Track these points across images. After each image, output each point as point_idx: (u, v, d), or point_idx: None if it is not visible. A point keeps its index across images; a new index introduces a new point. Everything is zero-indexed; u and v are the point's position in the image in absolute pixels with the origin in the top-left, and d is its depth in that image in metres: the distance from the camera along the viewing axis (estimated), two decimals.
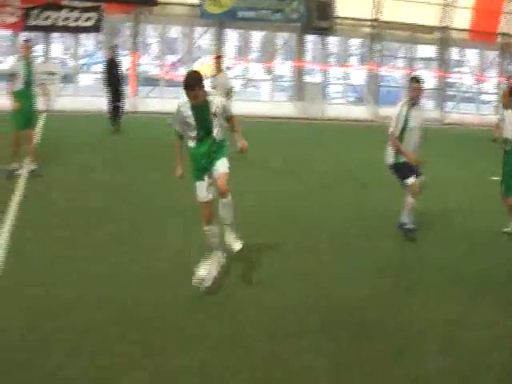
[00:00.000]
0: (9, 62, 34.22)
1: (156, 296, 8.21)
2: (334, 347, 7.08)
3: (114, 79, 22.82)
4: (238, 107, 29.23)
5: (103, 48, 33.50)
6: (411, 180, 11.21)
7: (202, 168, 8.60)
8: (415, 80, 11.38)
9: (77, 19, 29.96)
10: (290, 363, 6.66)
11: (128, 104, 24.30)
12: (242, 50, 39.54)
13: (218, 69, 18.77)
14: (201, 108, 8.41)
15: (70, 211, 12.03)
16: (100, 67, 29.65)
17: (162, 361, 6.53)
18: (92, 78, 35.08)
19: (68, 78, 32.70)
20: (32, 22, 29.79)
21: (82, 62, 34.78)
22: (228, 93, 18.18)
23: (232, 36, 38.24)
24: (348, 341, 7.27)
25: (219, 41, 33.49)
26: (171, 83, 32.65)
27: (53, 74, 29.63)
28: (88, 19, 30.06)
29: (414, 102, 11.27)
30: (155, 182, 14.58)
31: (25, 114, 14.34)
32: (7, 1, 29.56)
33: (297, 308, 8.12)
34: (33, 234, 10.41)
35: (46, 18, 29.75)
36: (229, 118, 8.81)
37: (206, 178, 8.60)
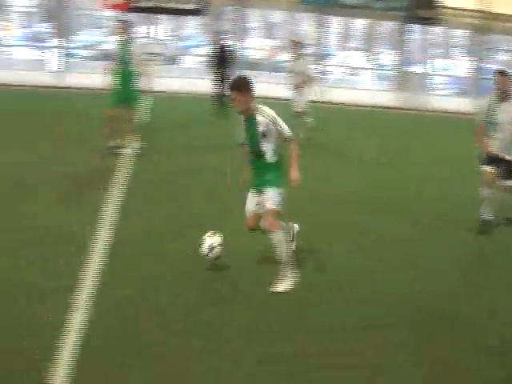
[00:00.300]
0: (114, 42, 34.98)
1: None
2: (419, 340, 7.06)
3: (222, 64, 22.97)
4: (338, 95, 29.46)
5: (206, 31, 33.83)
6: (484, 168, 10.97)
7: (253, 183, 8.26)
8: (499, 73, 10.88)
9: (182, 2, 30.27)
10: (376, 355, 6.66)
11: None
12: (344, 38, 39.30)
13: (296, 54, 18.60)
14: (249, 122, 8.07)
15: (165, 192, 12.25)
16: (203, 50, 29.95)
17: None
18: (195, 60, 35.43)
19: (171, 60, 33.20)
20: (137, 4, 30.26)
21: (185, 44, 35.26)
22: (306, 80, 18.07)
23: (334, 23, 38.04)
24: (433, 335, 7.21)
25: (321, 27, 33.36)
26: (273, 67, 32.87)
27: (156, 55, 30.06)
28: (192, 2, 30.33)
29: (502, 95, 10.81)
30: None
31: (120, 93, 14.56)
32: None
33: (389, 299, 8.06)
34: (127, 213, 10.60)
35: (152, 0, 30.18)
36: (288, 141, 8.12)
37: (254, 193, 8.24)
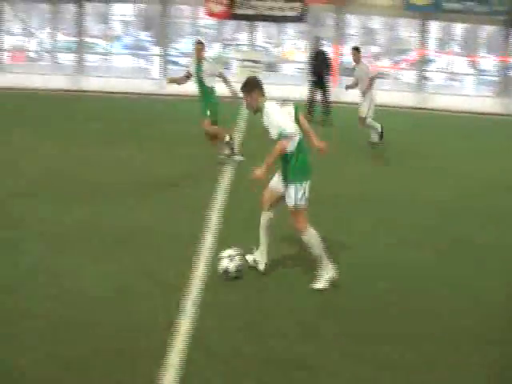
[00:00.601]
0: (214, 50, 35.36)
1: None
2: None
3: (318, 70, 22.95)
4: (437, 101, 29.05)
5: (305, 38, 33.88)
6: None
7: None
8: None
9: (281, 9, 30.39)
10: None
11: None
12: (445, 43, 38.78)
13: (357, 60, 18.54)
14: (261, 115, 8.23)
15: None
16: (301, 57, 29.99)
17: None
18: (294, 67, 35.50)
19: (271, 67, 33.39)
20: (238, 11, 30.52)
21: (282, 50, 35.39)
22: (371, 83, 17.88)
23: (435, 28, 37.57)
24: None
25: (422, 33, 33.01)
26: None
27: (257, 62, 30.24)
28: (292, 9, 30.42)
29: None
30: (360, 175, 14.80)
31: (202, 106, 15.09)
32: None
33: (490, 309, 7.94)
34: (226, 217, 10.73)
35: (252, 7, 30.39)
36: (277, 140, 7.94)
37: (278, 177, 8.30)
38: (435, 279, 8.74)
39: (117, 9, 37.44)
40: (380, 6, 31.92)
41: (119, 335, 6.65)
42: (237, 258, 8.20)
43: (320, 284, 8.06)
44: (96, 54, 36.06)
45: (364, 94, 17.87)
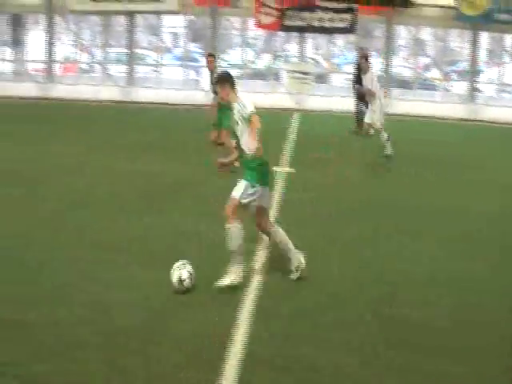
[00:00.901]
0: (264, 61, 35.43)
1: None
2: None
3: (362, 81, 22.82)
4: (489, 112, 28.73)
5: (354, 49, 33.81)
6: None
7: None
8: None
9: (331, 20, 30.32)
10: None
11: None
12: (496, 54, 38.34)
13: (365, 68, 18.48)
14: (232, 111, 8.65)
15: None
16: (350, 68, 29.92)
17: None
18: (343, 78, 35.38)
19: (321, 78, 33.34)
20: (288, 23, 30.54)
21: (334, 61, 35.33)
22: (374, 94, 17.75)
23: (486, 39, 37.17)
24: None
25: (473, 44, 32.67)
26: (423, 85, 32.53)
27: (306, 73, 30.25)
28: (342, 20, 30.32)
29: None
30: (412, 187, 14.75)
31: (218, 117, 15.63)
32: (265, 2, 30.55)
33: None
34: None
35: (302, 19, 30.39)
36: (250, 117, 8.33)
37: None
38: (487, 292, 8.65)
39: (167, 21, 37.66)
40: (430, 16, 31.67)
41: (175, 347, 6.68)
42: (187, 281, 8.07)
43: (226, 281, 8.15)
44: (146, 65, 36.32)
45: (371, 103, 17.82)
